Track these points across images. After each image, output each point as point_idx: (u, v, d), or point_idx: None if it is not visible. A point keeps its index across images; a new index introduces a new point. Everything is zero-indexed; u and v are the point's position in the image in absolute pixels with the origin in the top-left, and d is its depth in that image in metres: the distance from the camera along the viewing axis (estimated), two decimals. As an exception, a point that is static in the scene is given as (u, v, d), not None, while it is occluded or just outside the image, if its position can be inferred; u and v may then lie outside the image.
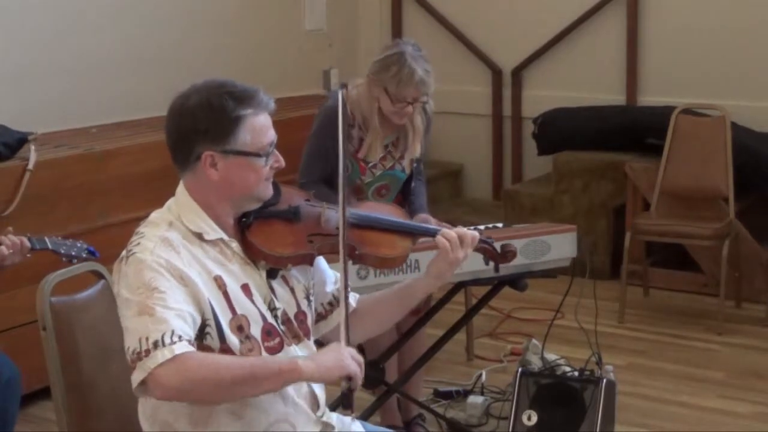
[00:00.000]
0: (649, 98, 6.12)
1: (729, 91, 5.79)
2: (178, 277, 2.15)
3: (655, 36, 6.11)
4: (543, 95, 6.40)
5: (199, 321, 2.16)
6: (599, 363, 3.70)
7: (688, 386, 4.41)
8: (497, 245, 2.59)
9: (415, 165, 3.87)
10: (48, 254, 3.20)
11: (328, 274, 2.49)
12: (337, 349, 2.20)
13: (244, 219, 2.31)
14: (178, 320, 2.10)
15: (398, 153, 3.85)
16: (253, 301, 2.26)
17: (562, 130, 6.05)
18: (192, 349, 2.10)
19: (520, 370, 3.68)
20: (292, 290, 2.36)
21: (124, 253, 2.21)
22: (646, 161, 5.60)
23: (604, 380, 3.56)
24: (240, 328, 2.21)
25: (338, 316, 2.40)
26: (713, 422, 4.08)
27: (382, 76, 3.67)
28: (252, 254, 2.29)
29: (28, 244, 3.18)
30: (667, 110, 5.48)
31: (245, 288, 2.26)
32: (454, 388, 4.32)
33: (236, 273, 2.26)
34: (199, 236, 2.24)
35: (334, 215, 2.40)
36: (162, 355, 2.05)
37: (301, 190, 2.52)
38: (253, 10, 6.15)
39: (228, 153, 2.22)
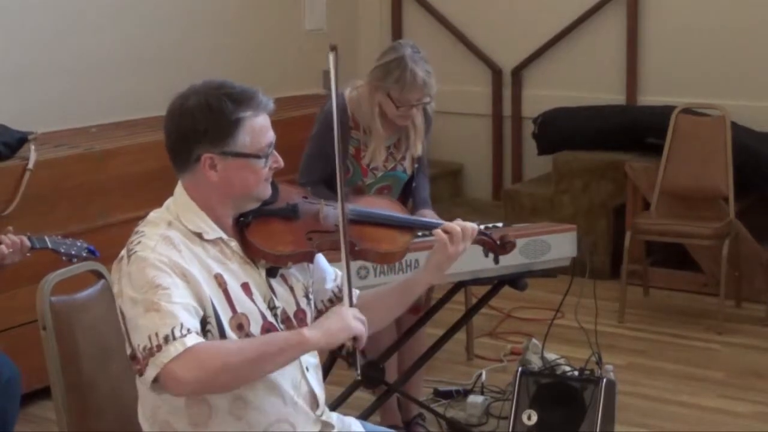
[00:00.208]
0: (649, 98, 6.12)
1: (729, 91, 5.79)
2: (180, 273, 2.15)
3: (655, 36, 6.12)
4: (543, 95, 6.40)
5: (201, 315, 2.16)
6: (599, 363, 3.70)
7: (688, 386, 4.41)
8: (496, 237, 2.59)
9: (416, 163, 3.87)
10: (48, 254, 3.20)
11: (328, 271, 2.50)
12: (339, 312, 2.23)
13: (242, 218, 2.31)
14: (185, 313, 2.11)
15: (400, 154, 3.85)
16: (253, 300, 2.26)
17: (562, 130, 6.05)
18: (201, 339, 2.10)
19: (520, 369, 3.68)
20: (292, 289, 2.36)
21: (124, 252, 2.20)
22: (646, 161, 5.59)
23: (604, 380, 3.56)
24: (240, 327, 2.21)
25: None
26: (713, 422, 4.08)
27: (384, 81, 3.66)
28: (252, 253, 2.29)
29: (28, 243, 3.18)
30: (667, 110, 5.48)
31: (245, 287, 2.26)
32: (454, 388, 4.32)
33: (236, 272, 2.26)
34: (199, 236, 2.24)
35: (332, 212, 2.40)
36: (174, 349, 2.06)
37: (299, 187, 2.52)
38: (253, 10, 6.16)
39: (227, 155, 2.22)
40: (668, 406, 4.22)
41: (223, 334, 2.19)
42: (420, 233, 2.88)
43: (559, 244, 3.58)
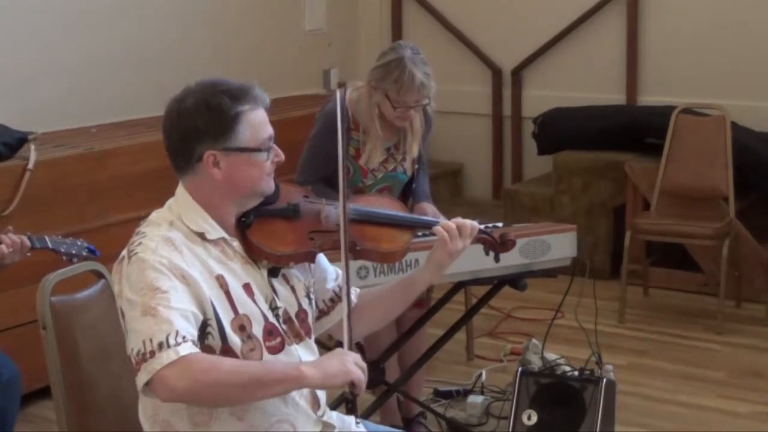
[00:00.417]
0: (649, 98, 6.12)
1: (729, 91, 5.79)
2: (180, 276, 2.15)
3: (655, 36, 6.11)
4: (543, 95, 6.39)
5: (201, 320, 2.16)
6: (599, 363, 3.70)
7: (687, 386, 4.41)
8: (496, 235, 2.59)
9: (416, 163, 3.87)
10: (48, 253, 3.20)
11: (329, 270, 2.49)
12: (340, 355, 2.21)
13: (243, 219, 2.31)
14: (182, 320, 2.10)
15: (400, 155, 3.85)
16: (254, 301, 2.25)
17: (562, 130, 6.05)
18: (197, 350, 2.10)
19: (520, 369, 3.68)
20: (293, 289, 2.36)
21: (124, 253, 2.20)
22: (646, 161, 5.59)
23: (604, 380, 3.56)
24: (242, 328, 2.21)
25: (340, 311, 2.41)
26: (713, 422, 4.08)
27: (382, 82, 3.66)
28: (253, 254, 2.29)
29: (28, 243, 3.18)
30: (667, 110, 5.47)
31: (247, 287, 2.26)
32: (454, 388, 4.32)
33: (238, 272, 2.26)
34: (201, 236, 2.24)
35: (333, 211, 2.40)
36: (167, 357, 2.05)
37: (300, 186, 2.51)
38: (253, 10, 6.15)
39: (229, 151, 2.22)
40: (668, 406, 4.22)
41: (224, 336, 2.18)
42: (420, 233, 2.88)
43: (559, 244, 3.58)
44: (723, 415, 4.14)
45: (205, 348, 2.16)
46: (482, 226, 2.55)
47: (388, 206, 2.57)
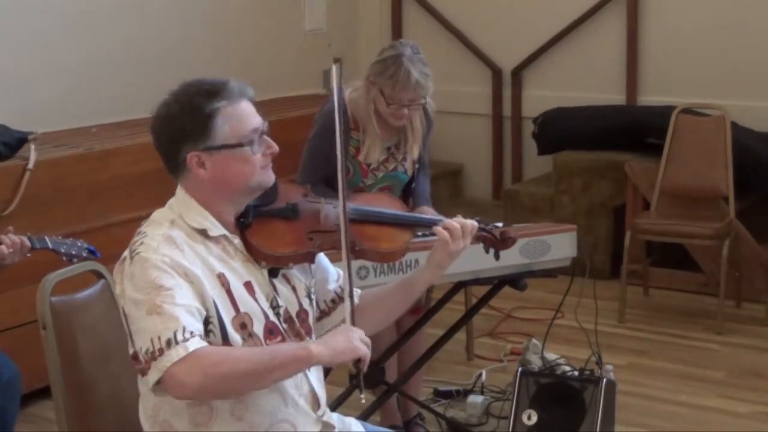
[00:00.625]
0: (649, 98, 6.12)
1: (729, 91, 5.79)
2: (183, 274, 2.15)
3: (655, 36, 6.11)
4: (543, 95, 6.39)
5: (204, 315, 2.16)
6: (599, 363, 3.70)
7: (687, 386, 4.41)
8: (496, 233, 2.59)
9: (417, 163, 3.87)
10: (48, 254, 3.20)
11: (330, 271, 2.49)
12: (346, 331, 2.22)
13: (242, 219, 2.31)
14: (188, 316, 2.10)
15: (400, 155, 3.84)
16: (255, 299, 2.26)
17: (562, 130, 6.05)
18: (205, 344, 2.10)
19: (520, 369, 3.68)
20: (294, 289, 2.36)
21: (126, 253, 2.20)
22: (646, 161, 5.59)
23: (604, 380, 3.56)
24: (243, 326, 2.21)
25: (341, 312, 2.42)
26: (713, 422, 4.08)
27: (379, 78, 3.66)
28: (253, 254, 2.29)
29: (28, 243, 3.18)
30: (667, 110, 5.47)
31: (248, 286, 2.26)
32: (454, 388, 4.32)
33: (239, 271, 2.26)
34: (203, 233, 2.24)
35: (332, 211, 2.39)
36: (176, 353, 2.05)
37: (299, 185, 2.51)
38: (253, 10, 6.15)
39: (211, 149, 2.22)
40: (668, 406, 4.22)
41: (225, 334, 2.18)
42: (420, 233, 2.88)
43: (559, 244, 3.58)
44: (723, 415, 4.14)
45: (207, 345, 2.16)
46: (482, 225, 2.55)
47: (387, 205, 2.56)
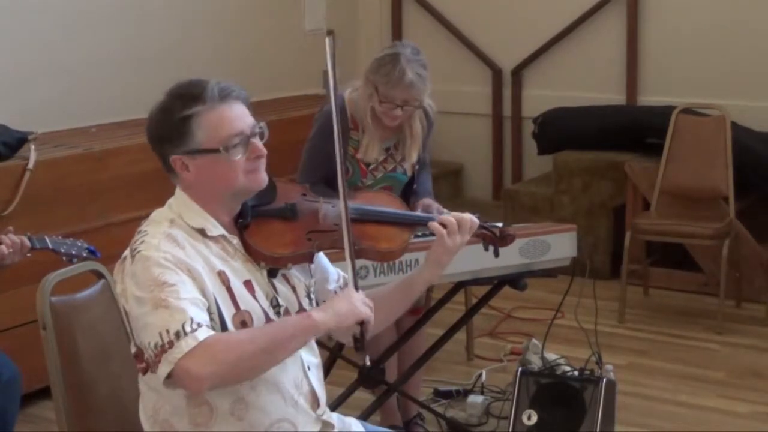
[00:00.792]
0: (649, 98, 6.12)
1: (729, 91, 5.79)
2: (185, 270, 2.15)
3: (655, 36, 6.11)
4: (543, 95, 6.39)
5: (207, 307, 2.16)
6: (599, 363, 3.70)
7: (687, 386, 4.41)
8: (495, 230, 2.59)
9: (417, 165, 3.87)
10: (48, 254, 3.20)
11: (330, 271, 2.49)
12: (347, 295, 2.22)
13: (241, 220, 2.30)
14: (194, 308, 2.10)
15: (399, 156, 3.84)
16: (255, 298, 2.26)
17: (562, 130, 6.05)
18: (213, 332, 2.10)
19: (520, 369, 3.68)
20: (294, 288, 2.35)
21: (127, 252, 2.20)
22: (646, 161, 5.60)
23: (604, 380, 3.56)
24: (243, 324, 2.21)
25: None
26: (713, 422, 4.08)
27: (374, 74, 3.66)
28: (251, 255, 2.29)
29: (28, 243, 3.18)
30: (667, 110, 5.48)
31: (248, 284, 2.26)
32: (454, 388, 4.32)
33: (239, 269, 2.26)
34: (202, 232, 2.24)
35: (331, 210, 2.39)
36: (186, 344, 2.05)
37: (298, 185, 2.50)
38: (253, 10, 6.15)
39: (191, 153, 2.21)
40: (668, 406, 4.22)
41: (225, 331, 2.17)
42: (420, 233, 2.87)
43: (559, 244, 3.58)
44: (723, 415, 4.14)
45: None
46: (481, 222, 2.54)
47: (387, 203, 2.55)
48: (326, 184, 3.61)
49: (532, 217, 5.75)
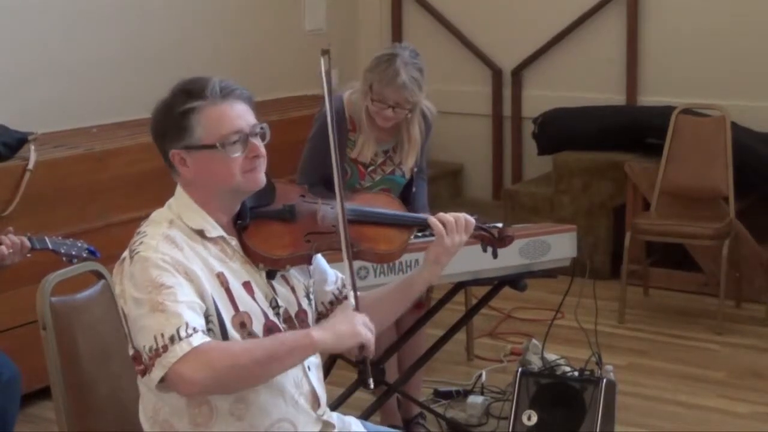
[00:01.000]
0: (649, 98, 6.12)
1: (729, 91, 5.79)
2: (183, 272, 2.15)
3: (655, 36, 6.11)
4: (543, 95, 6.39)
5: (204, 310, 2.16)
6: (599, 363, 3.70)
7: (687, 386, 4.41)
8: (494, 231, 2.58)
9: (416, 168, 3.86)
10: (48, 254, 3.20)
11: (329, 272, 2.49)
12: (348, 315, 2.21)
13: (239, 221, 2.30)
14: (190, 312, 2.10)
15: (398, 158, 3.84)
16: (255, 299, 2.25)
17: (562, 130, 6.06)
18: (208, 339, 2.10)
19: (520, 370, 3.68)
20: (293, 289, 2.35)
21: (126, 253, 2.20)
22: (646, 161, 5.60)
23: (604, 380, 3.56)
24: (242, 325, 2.21)
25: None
26: (713, 422, 4.08)
27: (369, 72, 3.67)
28: (250, 256, 2.29)
29: (28, 243, 3.18)
30: (667, 110, 5.48)
31: (247, 285, 2.26)
32: (454, 388, 4.32)
33: (237, 271, 2.26)
34: (201, 233, 2.24)
35: (330, 212, 2.38)
36: (180, 349, 2.05)
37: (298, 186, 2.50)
38: (253, 10, 6.15)
39: (189, 149, 2.21)
40: (668, 406, 4.22)
41: (224, 333, 2.18)
42: (420, 233, 2.87)
43: (559, 245, 3.58)
44: (723, 415, 4.14)
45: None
46: (479, 223, 2.54)
47: (385, 205, 2.54)
48: (326, 185, 3.61)
49: (532, 218, 5.75)
